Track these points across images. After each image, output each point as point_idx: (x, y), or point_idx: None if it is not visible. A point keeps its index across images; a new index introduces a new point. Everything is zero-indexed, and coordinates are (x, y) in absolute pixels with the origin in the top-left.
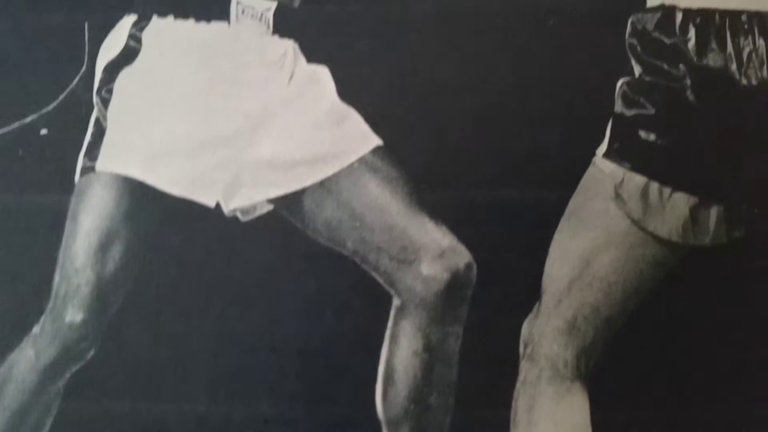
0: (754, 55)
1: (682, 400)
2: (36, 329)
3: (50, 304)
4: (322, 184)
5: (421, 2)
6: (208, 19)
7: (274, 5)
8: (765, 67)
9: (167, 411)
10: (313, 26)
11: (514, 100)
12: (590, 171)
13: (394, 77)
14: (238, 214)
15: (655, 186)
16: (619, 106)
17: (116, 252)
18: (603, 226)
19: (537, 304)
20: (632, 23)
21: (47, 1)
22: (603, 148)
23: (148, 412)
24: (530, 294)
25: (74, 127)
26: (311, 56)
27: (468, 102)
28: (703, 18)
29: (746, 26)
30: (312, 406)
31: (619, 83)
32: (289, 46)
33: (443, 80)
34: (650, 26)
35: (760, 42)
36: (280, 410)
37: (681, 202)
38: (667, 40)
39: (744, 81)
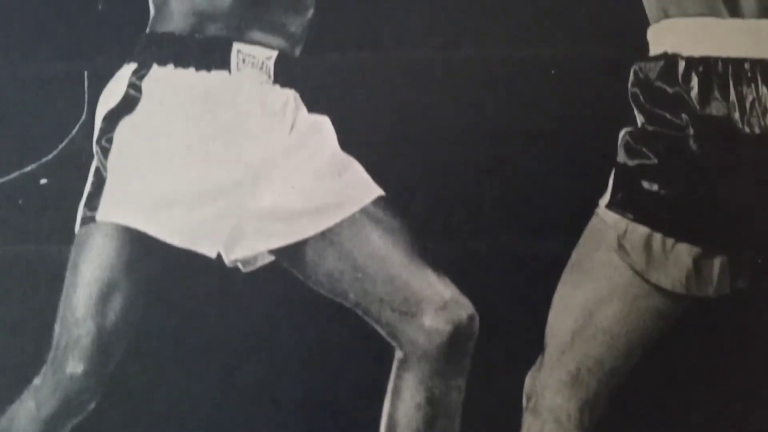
0: (757, 103)
1: None
2: (37, 381)
3: (51, 355)
4: (323, 234)
5: (422, 52)
6: (209, 68)
7: (275, 54)
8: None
9: None
10: (314, 76)
11: (516, 150)
12: (593, 222)
13: (396, 127)
14: (240, 265)
15: (658, 237)
16: (621, 156)
17: (117, 303)
18: (606, 278)
19: (540, 357)
20: (635, 72)
21: (47, 50)
22: (606, 198)
23: None
24: (533, 346)
25: (74, 176)
26: (312, 106)
27: (470, 152)
28: (706, 66)
29: (749, 74)
30: None
31: (621, 133)
32: (290, 95)
33: (445, 130)
34: (653, 75)
35: (763, 90)
36: None
37: (684, 253)
38: (669, 89)
39: (747, 129)
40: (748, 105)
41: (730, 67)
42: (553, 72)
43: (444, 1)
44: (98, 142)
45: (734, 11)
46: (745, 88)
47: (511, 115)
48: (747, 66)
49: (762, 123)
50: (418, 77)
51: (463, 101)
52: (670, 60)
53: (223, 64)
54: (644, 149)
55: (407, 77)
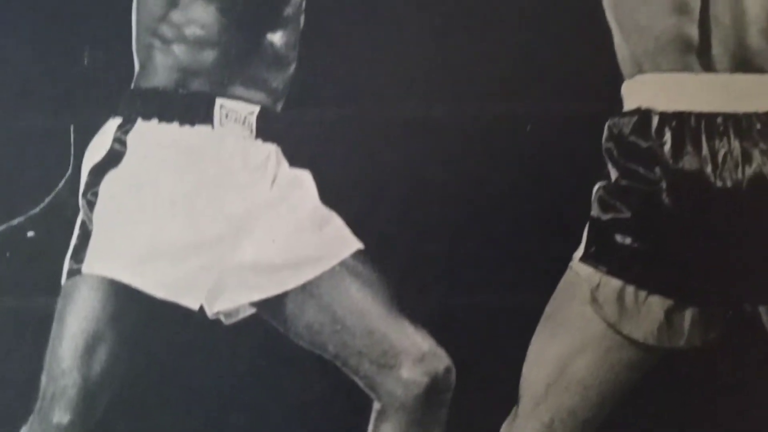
0: (729, 156)
1: None
2: (24, 430)
3: (38, 406)
4: (303, 287)
5: (401, 108)
6: (192, 123)
7: (257, 109)
8: (740, 168)
9: None
10: (295, 130)
11: (492, 205)
12: (567, 275)
13: (375, 182)
14: (222, 317)
15: (630, 289)
16: (595, 211)
17: (102, 354)
18: (579, 330)
19: (515, 408)
20: (609, 128)
21: (33, 104)
22: (580, 252)
23: None
24: (508, 397)
25: (60, 229)
26: (294, 160)
27: (448, 207)
28: (679, 121)
29: (721, 128)
30: None
31: (595, 188)
32: (272, 150)
33: (423, 185)
34: (627, 130)
35: (735, 143)
36: None
37: (656, 305)
38: (643, 144)
39: (719, 183)
40: (720, 159)
41: (702, 122)
42: (528, 128)
43: (421, 59)
44: (84, 195)
45: (707, 66)
46: (717, 142)
47: (487, 170)
48: (719, 120)
49: (734, 176)
50: (396, 133)
51: (440, 157)
52: (643, 115)
53: (207, 119)
54: (618, 203)
55: (386, 133)
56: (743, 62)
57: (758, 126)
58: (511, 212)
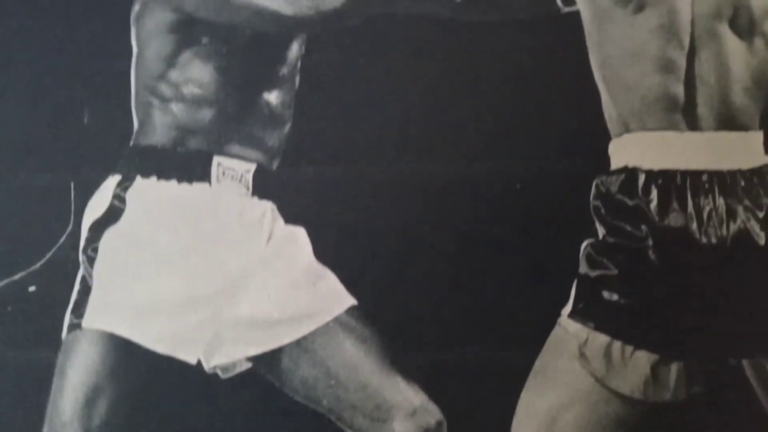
0: (713, 213)
1: None
2: None
3: None
4: (298, 342)
5: (394, 166)
6: (190, 180)
7: (253, 167)
8: (724, 225)
9: None
10: (290, 188)
11: (482, 262)
12: (556, 331)
13: (369, 239)
14: (219, 371)
15: (617, 345)
16: (583, 267)
17: (102, 407)
18: (568, 385)
19: None
20: (596, 186)
21: (35, 161)
22: (568, 308)
23: None
24: None
25: (61, 284)
26: (289, 217)
27: (439, 264)
28: (665, 179)
29: (706, 186)
30: None
31: (583, 245)
32: (268, 207)
33: (415, 242)
34: (614, 188)
35: (720, 201)
36: None
37: (642, 360)
38: (629, 202)
39: (704, 239)
40: (705, 216)
41: (688, 179)
42: (518, 186)
43: (414, 119)
44: (84, 251)
45: (693, 125)
46: (702, 199)
47: (477, 227)
48: (705, 178)
49: (718, 233)
50: (389, 191)
51: (432, 214)
52: (630, 173)
53: (204, 176)
54: (605, 260)
55: (380, 191)
56: (727, 120)
57: (742, 183)
58: (501, 269)
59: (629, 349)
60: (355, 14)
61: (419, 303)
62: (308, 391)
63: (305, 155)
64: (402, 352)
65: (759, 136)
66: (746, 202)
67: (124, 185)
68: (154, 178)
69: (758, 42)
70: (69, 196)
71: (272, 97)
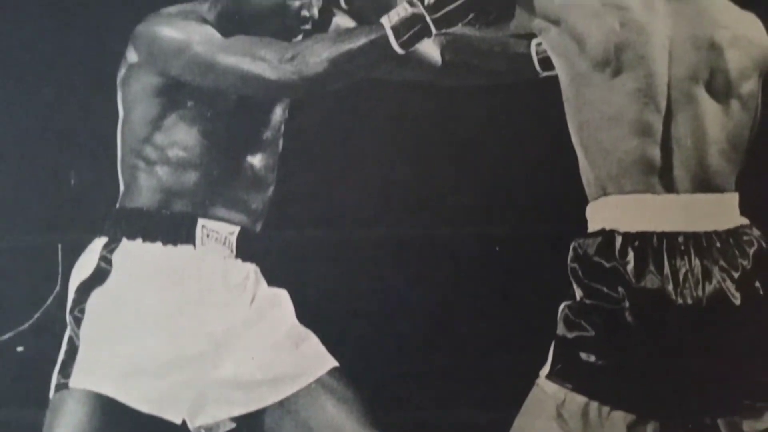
0: (689, 275)
1: None
2: None
3: None
4: (281, 403)
5: (375, 230)
6: (175, 243)
7: (237, 229)
8: (700, 286)
9: None
10: (273, 250)
11: (462, 324)
12: (534, 392)
13: (350, 301)
14: (203, 431)
15: (594, 405)
16: (561, 329)
17: None
18: None
19: None
20: (574, 248)
21: (23, 223)
22: (546, 369)
23: None
24: None
25: (49, 344)
26: (272, 279)
27: (420, 325)
28: (642, 241)
29: (682, 247)
30: None
31: (561, 307)
32: (251, 269)
33: (396, 304)
34: (591, 251)
35: (696, 262)
36: None
37: (619, 420)
38: (606, 264)
39: (680, 300)
40: (681, 277)
41: (664, 241)
42: (497, 248)
43: (396, 182)
44: (71, 312)
45: (669, 187)
46: (678, 261)
47: (457, 289)
48: (681, 239)
49: (694, 294)
50: (371, 253)
51: (413, 277)
52: (607, 236)
53: (189, 238)
54: (582, 322)
55: (361, 253)
56: (703, 182)
57: (718, 244)
58: (481, 330)
59: (606, 409)
60: (338, 79)
61: (400, 364)
62: None
63: (288, 218)
64: (383, 412)
65: (734, 197)
66: (722, 262)
67: (110, 247)
68: (139, 240)
69: (734, 104)
70: (56, 258)
71: (256, 160)
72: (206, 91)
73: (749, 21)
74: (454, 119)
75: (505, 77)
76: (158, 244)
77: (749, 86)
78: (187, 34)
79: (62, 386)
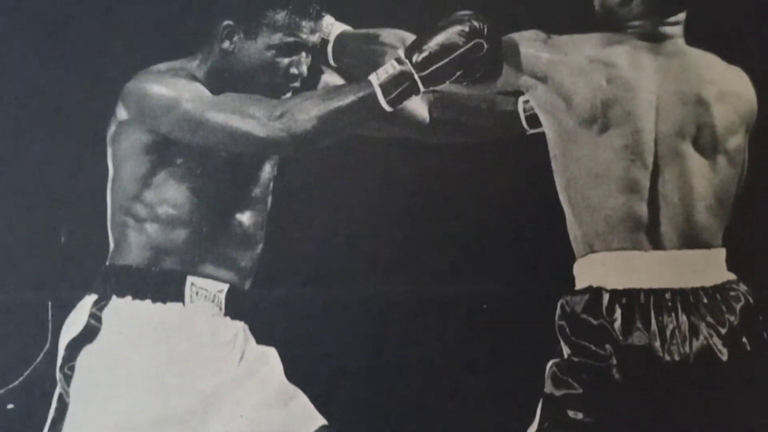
0: (677, 331)
1: None
2: None
3: None
4: None
5: (363, 288)
6: (164, 301)
7: (226, 287)
8: (687, 342)
9: None
10: (262, 308)
11: (450, 383)
12: None
13: (339, 359)
14: None
15: None
16: (548, 387)
17: None
18: None
19: None
20: (561, 306)
21: (12, 281)
22: (534, 427)
23: None
24: None
25: (39, 402)
26: (260, 337)
27: (408, 384)
28: (629, 298)
29: (669, 304)
30: None
31: (548, 364)
32: (240, 327)
33: (384, 362)
34: (578, 308)
35: (683, 318)
36: None
37: None
38: (594, 321)
39: (667, 357)
40: (668, 333)
41: (651, 298)
42: (484, 306)
43: (385, 240)
44: (61, 369)
45: (656, 244)
46: (665, 317)
47: (445, 347)
48: (668, 296)
49: (681, 350)
50: (359, 311)
51: (400, 334)
52: (595, 293)
53: (178, 296)
54: (570, 380)
55: (350, 311)
56: (691, 238)
57: (705, 300)
58: (468, 388)
59: None
60: (326, 136)
61: (388, 422)
62: None
63: (277, 276)
64: None
65: (722, 253)
66: (709, 319)
67: (100, 304)
68: (129, 298)
69: (721, 160)
70: (46, 315)
71: (245, 217)
72: (196, 148)
73: (736, 75)
74: (441, 176)
75: (493, 134)
76: (148, 302)
77: (736, 141)
78: (176, 91)
79: None
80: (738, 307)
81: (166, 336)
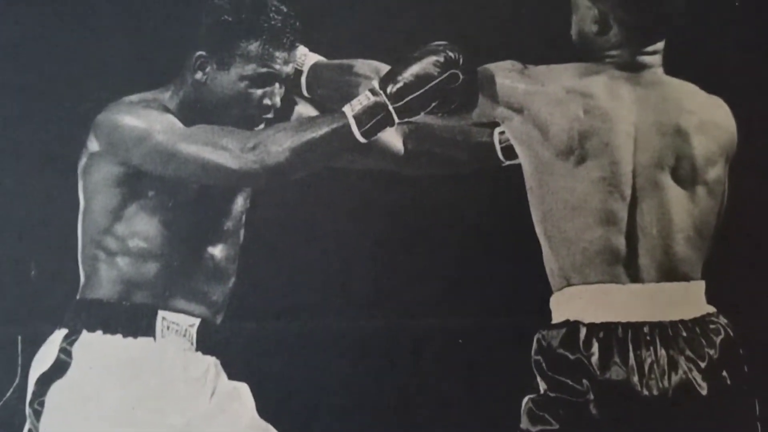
0: (655, 365)
1: None
2: None
3: None
4: None
5: (338, 322)
6: (135, 335)
7: (197, 321)
8: (666, 377)
9: None
10: (234, 343)
11: (426, 419)
12: None
13: (312, 394)
14: None
15: None
16: (524, 423)
17: None
18: None
19: None
20: (538, 340)
21: None
22: None
23: None
24: None
25: None
26: (232, 373)
27: (383, 420)
28: (607, 332)
29: (648, 337)
30: None
31: (524, 400)
32: (212, 362)
33: (359, 398)
34: (555, 343)
35: (661, 352)
36: None
37: None
38: (571, 356)
39: (645, 392)
40: (646, 368)
41: (629, 332)
42: (460, 341)
43: (358, 274)
44: (31, 404)
45: (634, 277)
46: (644, 351)
47: (419, 383)
48: (646, 329)
49: (660, 385)
50: (332, 346)
51: (375, 369)
52: (571, 327)
53: (149, 331)
54: (546, 415)
55: (323, 346)
56: (669, 271)
57: (684, 333)
58: (444, 424)
59: None
60: (300, 168)
61: None
62: None
63: (249, 310)
64: None
65: (701, 285)
66: (688, 352)
67: (70, 339)
68: (99, 332)
69: (700, 191)
70: (16, 350)
71: (217, 251)
72: (167, 180)
73: (716, 105)
74: (416, 208)
75: (468, 166)
76: (118, 336)
77: (716, 172)
78: (148, 122)
79: None
80: (718, 340)
81: (137, 371)
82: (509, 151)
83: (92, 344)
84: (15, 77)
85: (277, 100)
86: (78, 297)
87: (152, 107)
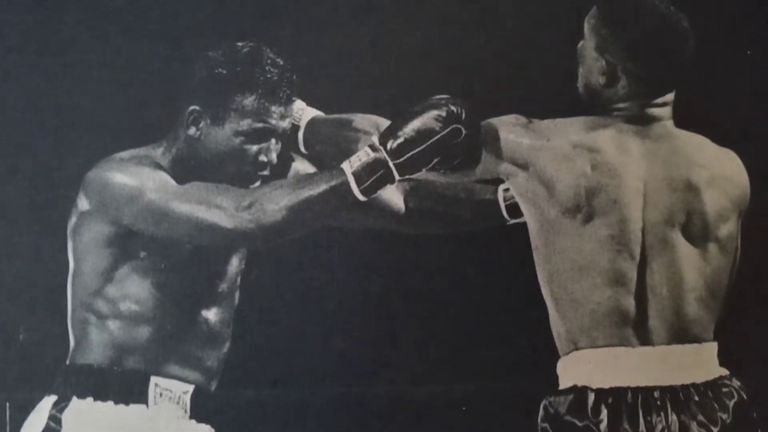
0: (666, 431)
1: None
2: None
3: None
4: None
5: (336, 390)
6: (127, 402)
7: (191, 388)
8: None
9: None
10: (229, 411)
11: None
12: None
13: None
14: None
15: None
16: None
17: None
18: None
19: None
20: (545, 407)
21: None
22: None
23: None
24: None
25: None
26: None
27: None
28: (616, 397)
29: (658, 402)
30: None
31: None
32: (206, 431)
33: None
34: (563, 409)
35: (672, 417)
36: None
37: None
38: (579, 423)
39: None
40: None
41: (639, 397)
42: (463, 409)
43: (357, 339)
44: None
45: (644, 339)
46: (654, 417)
47: None
48: (656, 394)
49: None
50: (331, 414)
51: None
52: (579, 393)
53: (141, 397)
54: None
55: (321, 414)
56: (680, 332)
57: (696, 397)
58: None
59: None
60: (297, 228)
61: None
62: None
63: (245, 376)
64: None
65: (713, 347)
66: (700, 417)
67: (59, 406)
68: (90, 399)
69: (712, 248)
70: (4, 417)
71: (211, 314)
72: (160, 240)
73: (727, 158)
74: (418, 269)
75: (472, 225)
76: (110, 403)
77: (728, 228)
78: (140, 180)
79: None
80: (731, 404)
81: None
82: (514, 209)
83: (83, 411)
84: (2, 132)
85: (274, 156)
86: (68, 362)
87: (144, 164)
